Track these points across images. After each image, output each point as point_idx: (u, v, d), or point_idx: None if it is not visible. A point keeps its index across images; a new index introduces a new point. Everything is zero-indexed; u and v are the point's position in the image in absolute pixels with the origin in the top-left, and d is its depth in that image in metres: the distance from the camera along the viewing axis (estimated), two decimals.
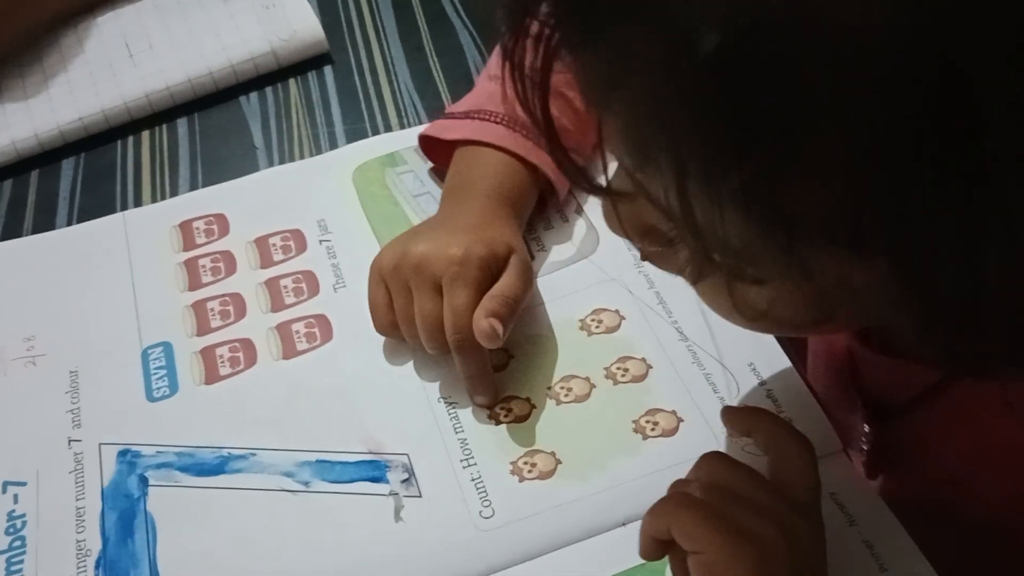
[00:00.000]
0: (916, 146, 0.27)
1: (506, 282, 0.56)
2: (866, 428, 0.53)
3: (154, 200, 0.70)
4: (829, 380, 0.55)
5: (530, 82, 0.34)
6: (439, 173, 0.67)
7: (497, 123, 0.62)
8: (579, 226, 0.65)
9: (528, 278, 0.57)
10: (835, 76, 0.27)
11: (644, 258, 0.43)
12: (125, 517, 0.52)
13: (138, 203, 0.70)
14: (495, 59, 0.67)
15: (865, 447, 0.53)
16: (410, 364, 0.58)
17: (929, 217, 0.29)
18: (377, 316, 0.58)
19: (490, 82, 0.66)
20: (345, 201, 0.68)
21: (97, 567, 0.50)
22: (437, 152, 0.66)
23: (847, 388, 0.53)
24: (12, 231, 0.70)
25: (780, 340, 0.56)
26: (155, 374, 0.59)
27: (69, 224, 0.69)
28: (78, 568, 0.51)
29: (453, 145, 0.64)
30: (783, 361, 0.55)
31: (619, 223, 0.39)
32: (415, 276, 0.55)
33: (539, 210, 0.65)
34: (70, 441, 0.56)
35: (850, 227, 0.30)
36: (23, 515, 0.53)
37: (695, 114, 0.29)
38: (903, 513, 0.49)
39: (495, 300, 0.54)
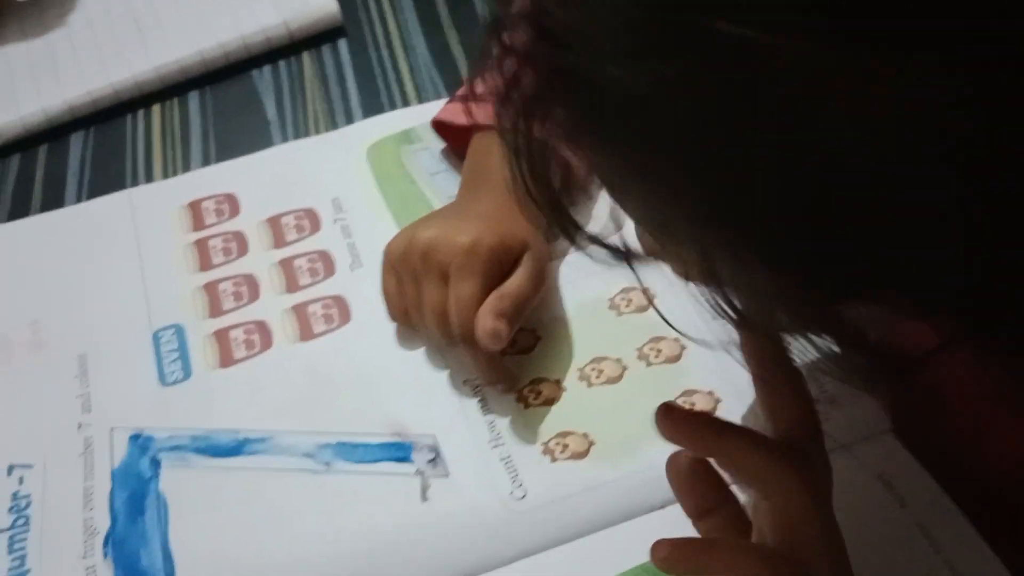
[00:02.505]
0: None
1: (515, 281, 0.55)
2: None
3: (165, 176, 0.70)
4: None
5: (529, 166, 0.33)
6: (457, 152, 0.67)
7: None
8: (603, 202, 0.64)
9: (540, 279, 0.56)
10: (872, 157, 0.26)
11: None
12: (136, 496, 0.52)
13: (149, 179, 0.70)
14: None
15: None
16: (434, 346, 0.58)
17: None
18: (389, 304, 0.58)
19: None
20: (360, 179, 0.68)
21: (105, 544, 0.50)
22: (454, 132, 0.66)
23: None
24: (20, 208, 0.69)
25: None
26: (167, 358, 0.59)
27: (79, 201, 0.69)
28: (85, 546, 0.50)
29: (470, 128, 0.63)
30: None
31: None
32: (421, 264, 0.55)
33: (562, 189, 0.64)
34: (80, 425, 0.56)
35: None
36: (28, 495, 0.53)
37: (712, 216, 0.29)
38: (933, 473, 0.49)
39: (502, 299, 0.53)
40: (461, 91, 0.67)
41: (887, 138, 0.26)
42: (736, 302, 0.33)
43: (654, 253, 0.39)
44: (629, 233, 0.38)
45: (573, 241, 0.37)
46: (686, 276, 0.39)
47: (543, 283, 0.57)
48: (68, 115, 0.74)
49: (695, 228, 0.30)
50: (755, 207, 0.28)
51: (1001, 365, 0.40)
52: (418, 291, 0.55)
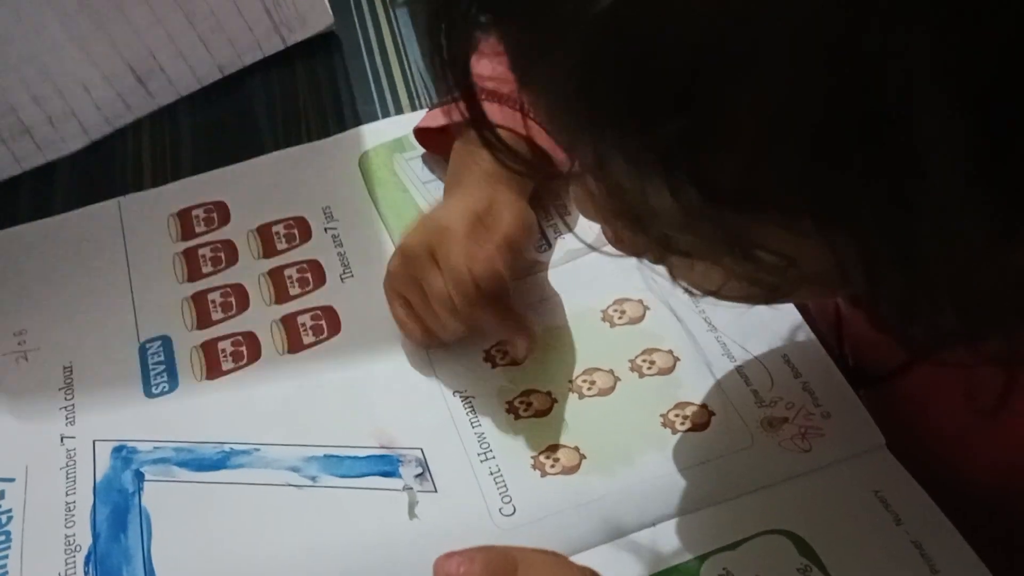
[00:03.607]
0: (827, 118, 0.27)
1: (501, 224, 0.55)
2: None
3: (155, 183, 0.70)
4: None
5: (451, 62, 0.34)
6: (442, 157, 0.66)
7: (487, 101, 0.62)
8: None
9: (525, 218, 0.57)
10: (741, 40, 0.27)
11: (614, 243, 0.42)
12: (118, 512, 0.51)
13: (139, 186, 0.70)
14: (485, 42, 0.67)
15: None
16: (423, 357, 0.57)
17: (851, 195, 0.28)
18: (409, 330, 0.57)
19: (484, 62, 0.65)
20: (351, 187, 0.67)
21: (87, 562, 0.50)
22: (434, 137, 0.66)
23: (831, 349, 0.53)
24: (7, 217, 0.69)
25: None
26: (154, 370, 0.58)
27: (67, 210, 0.68)
28: (67, 563, 0.50)
29: (449, 131, 0.63)
30: (819, 352, 0.54)
31: (586, 205, 0.39)
32: (417, 268, 0.55)
33: (553, 194, 0.64)
34: (63, 438, 0.55)
35: (772, 200, 0.30)
36: (9, 510, 0.52)
37: (601, 87, 0.29)
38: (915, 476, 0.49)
39: (487, 244, 0.54)
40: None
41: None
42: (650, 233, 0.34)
43: (571, 172, 0.38)
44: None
45: (481, 135, 0.38)
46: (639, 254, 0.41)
47: (529, 223, 0.57)
48: None
49: (585, 127, 0.31)
50: (629, 95, 0.29)
51: (976, 374, 0.40)
52: (424, 296, 0.55)
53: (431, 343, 0.57)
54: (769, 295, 0.37)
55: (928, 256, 0.29)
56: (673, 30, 0.27)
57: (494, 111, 0.59)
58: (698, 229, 0.32)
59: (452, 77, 0.34)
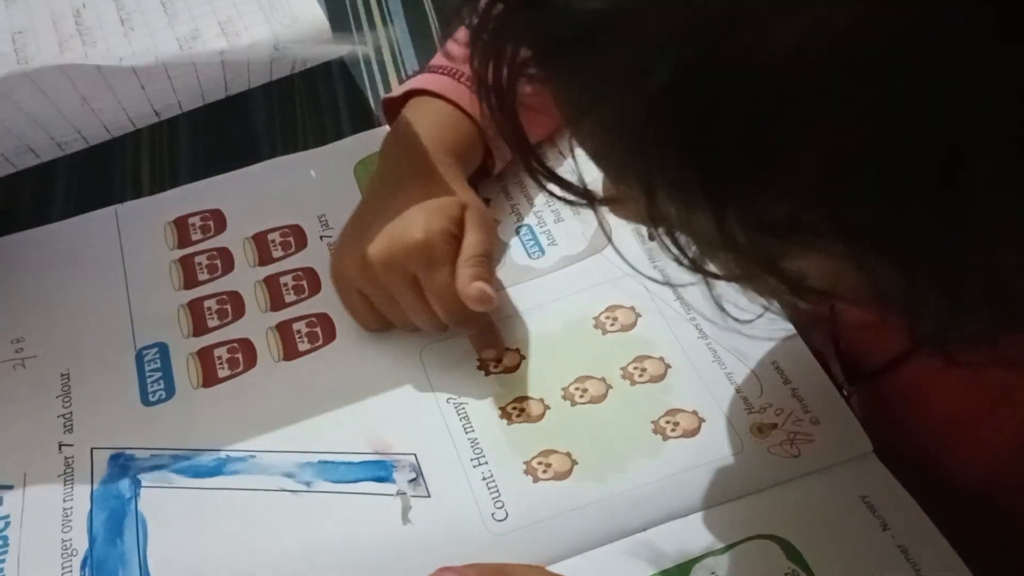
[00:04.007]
0: (886, 159, 0.28)
1: (472, 240, 0.57)
2: (843, 392, 0.54)
3: (153, 191, 0.71)
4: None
5: (497, 98, 0.35)
6: None
7: (443, 74, 0.63)
8: (590, 218, 0.64)
9: (490, 227, 0.59)
10: (786, 101, 0.28)
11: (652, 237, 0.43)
12: (114, 517, 0.52)
13: (137, 193, 0.71)
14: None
15: None
16: (417, 365, 0.58)
17: (898, 226, 0.30)
18: (364, 320, 0.59)
19: (452, 44, 0.66)
20: (347, 196, 0.68)
21: (83, 567, 0.51)
22: (394, 108, 0.66)
23: (825, 346, 0.54)
24: (5, 224, 0.69)
25: None
26: (150, 377, 0.59)
27: (65, 217, 0.69)
28: (63, 568, 0.51)
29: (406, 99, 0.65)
30: (808, 358, 0.55)
31: (628, 215, 0.41)
32: (387, 277, 0.56)
33: (547, 202, 0.65)
34: (61, 446, 0.56)
35: (821, 232, 0.31)
36: (7, 516, 0.53)
37: (658, 138, 0.30)
38: (897, 475, 0.49)
39: (472, 264, 0.55)
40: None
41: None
42: (688, 247, 0.35)
43: (612, 197, 0.40)
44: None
45: (536, 179, 0.39)
46: (643, 221, 0.41)
47: (494, 229, 0.60)
48: None
49: (639, 163, 0.32)
50: (691, 139, 0.30)
51: (968, 372, 0.41)
52: (393, 300, 0.57)
53: (386, 331, 0.59)
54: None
55: (971, 272, 0.30)
56: (747, 85, 0.28)
57: (446, 85, 0.61)
58: (741, 256, 0.33)
59: (501, 118, 0.36)
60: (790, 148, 0.29)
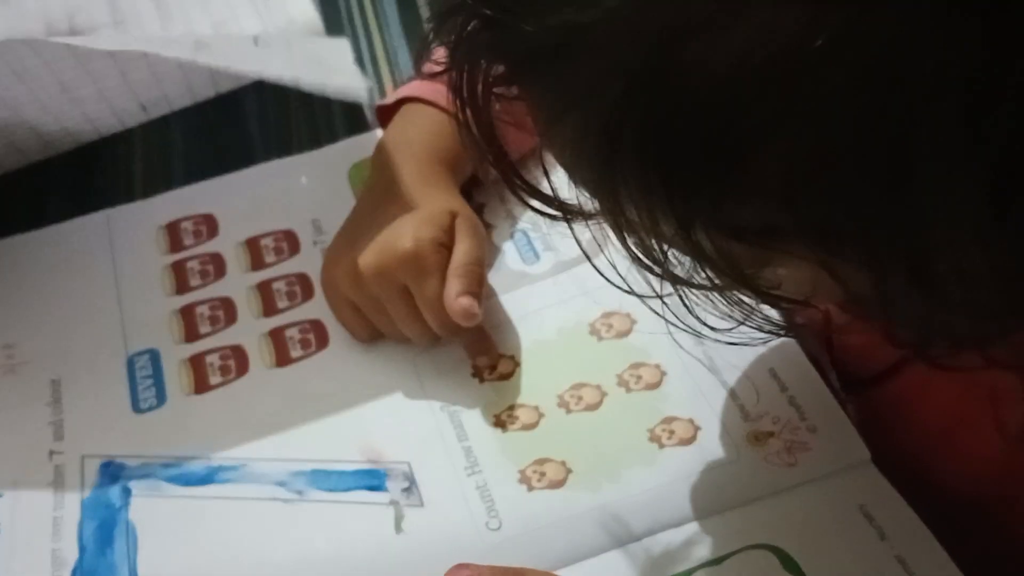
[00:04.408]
0: (850, 164, 0.29)
1: (462, 248, 0.56)
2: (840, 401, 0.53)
3: (147, 194, 0.70)
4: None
5: (474, 113, 0.36)
6: None
7: (435, 81, 0.63)
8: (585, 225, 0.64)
9: (480, 235, 0.58)
10: (770, 99, 0.29)
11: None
12: (105, 526, 0.52)
13: (129, 197, 0.70)
14: None
15: None
16: (410, 372, 0.58)
17: (866, 227, 0.30)
18: (354, 330, 0.59)
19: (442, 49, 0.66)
20: (341, 200, 0.67)
21: None
22: (388, 115, 0.66)
23: (819, 354, 0.54)
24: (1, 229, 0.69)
25: None
26: (141, 384, 0.59)
27: (56, 221, 0.69)
28: None
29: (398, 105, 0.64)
30: (805, 366, 0.55)
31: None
32: (378, 288, 0.56)
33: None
34: (51, 453, 0.56)
35: (792, 237, 0.31)
36: None
37: (619, 149, 0.31)
38: (893, 482, 0.49)
39: (459, 274, 0.55)
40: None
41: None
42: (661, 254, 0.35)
43: (590, 212, 0.40)
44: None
45: (515, 192, 0.40)
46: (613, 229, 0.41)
47: (484, 238, 0.59)
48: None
49: (605, 174, 0.32)
50: (650, 149, 0.30)
51: (962, 379, 0.41)
52: (383, 310, 0.57)
53: (376, 341, 0.59)
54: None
55: (940, 269, 0.30)
56: (699, 94, 0.29)
57: (436, 91, 0.61)
58: (709, 265, 0.34)
59: (476, 132, 0.37)
60: (747, 153, 0.30)
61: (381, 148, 0.63)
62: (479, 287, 0.56)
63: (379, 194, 0.60)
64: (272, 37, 0.73)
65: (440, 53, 0.36)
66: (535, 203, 0.40)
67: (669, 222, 0.32)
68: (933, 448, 0.49)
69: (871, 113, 0.28)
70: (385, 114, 0.66)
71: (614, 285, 0.42)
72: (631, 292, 0.41)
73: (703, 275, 0.35)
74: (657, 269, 0.35)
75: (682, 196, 0.31)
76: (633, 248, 0.35)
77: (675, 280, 0.36)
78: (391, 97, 0.65)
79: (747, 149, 0.29)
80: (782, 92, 0.28)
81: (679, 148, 0.30)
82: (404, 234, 0.56)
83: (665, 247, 0.35)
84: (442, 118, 0.62)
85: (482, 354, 0.57)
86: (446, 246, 0.56)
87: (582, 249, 0.43)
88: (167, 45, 0.70)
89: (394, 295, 0.56)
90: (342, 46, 0.74)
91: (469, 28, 0.33)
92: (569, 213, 0.39)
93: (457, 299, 0.54)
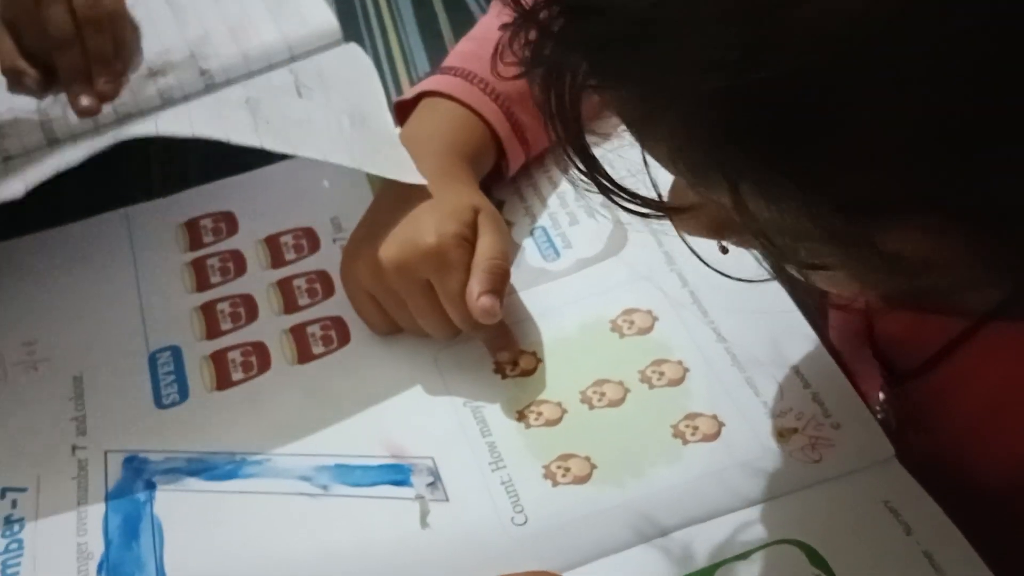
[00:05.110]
0: (968, 127, 0.28)
1: (485, 243, 0.56)
2: (881, 396, 0.53)
3: (164, 191, 0.70)
4: (844, 340, 0.56)
5: (562, 121, 0.35)
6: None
7: (455, 76, 0.63)
8: (606, 222, 0.64)
9: (503, 231, 0.58)
10: (853, 76, 0.28)
11: (725, 250, 0.43)
12: (130, 520, 0.52)
13: (148, 196, 0.70)
14: (479, 24, 0.68)
15: (880, 416, 0.53)
16: (432, 367, 0.58)
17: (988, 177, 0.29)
18: (374, 323, 0.59)
19: (463, 43, 0.67)
20: (360, 198, 0.67)
21: (99, 570, 0.50)
22: (407, 111, 0.66)
23: (861, 349, 0.54)
24: (16, 226, 0.69)
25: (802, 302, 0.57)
26: (164, 380, 0.59)
27: (76, 219, 0.69)
28: (79, 571, 0.50)
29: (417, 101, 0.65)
30: (829, 363, 0.55)
31: (694, 229, 0.41)
32: (399, 282, 0.56)
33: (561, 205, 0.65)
34: (74, 448, 0.56)
35: (910, 206, 0.31)
36: (21, 518, 0.53)
37: (733, 131, 0.30)
38: (923, 478, 0.49)
39: (482, 271, 0.55)
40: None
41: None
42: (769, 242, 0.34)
43: (684, 204, 0.39)
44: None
45: (608, 196, 0.38)
46: (710, 233, 0.41)
47: (507, 233, 0.60)
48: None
49: (717, 160, 0.31)
50: (764, 127, 0.29)
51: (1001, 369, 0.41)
52: (403, 305, 0.57)
53: (394, 334, 0.59)
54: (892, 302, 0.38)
55: None
56: (804, 64, 0.28)
57: (458, 86, 0.61)
58: (833, 241, 0.33)
59: (563, 132, 0.36)
60: (860, 122, 0.29)
61: (401, 142, 0.63)
62: (503, 283, 0.56)
63: (400, 188, 0.60)
64: (311, 80, 0.71)
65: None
66: (625, 203, 0.39)
67: (790, 202, 0.31)
68: (968, 439, 0.49)
69: (990, 63, 0.27)
70: (403, 110, 0.66)
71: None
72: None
73: (819, 255, 0.34)
74: (765, 262, 0.35)
75: (801, 171, 0.30)
76: (737, 245, 0.34)
77: (781, 270, 0.35)
78: (410, 92, 0.65)
79: (860, 118, 0.29)
80: (888, 59, 0.27)
81: (792, 123, 0.29)
82: (427, 229, 0.55)
83: (777, 235, 0.34)
84: (462, 112, 0.62)
85: (503, 349, 0.57)
86: (469, 241, 0.56)
87: (692, 250, 0.42)
88: (221, 106, 0.68)
89: (415, 290, 0.56)
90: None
91: (554, 24, 0.32)
92: (664, 211, 0.38)
93: (479, 298, 0.54)
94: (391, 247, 0.56)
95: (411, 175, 0.59)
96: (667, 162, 0.35)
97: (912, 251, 0.33)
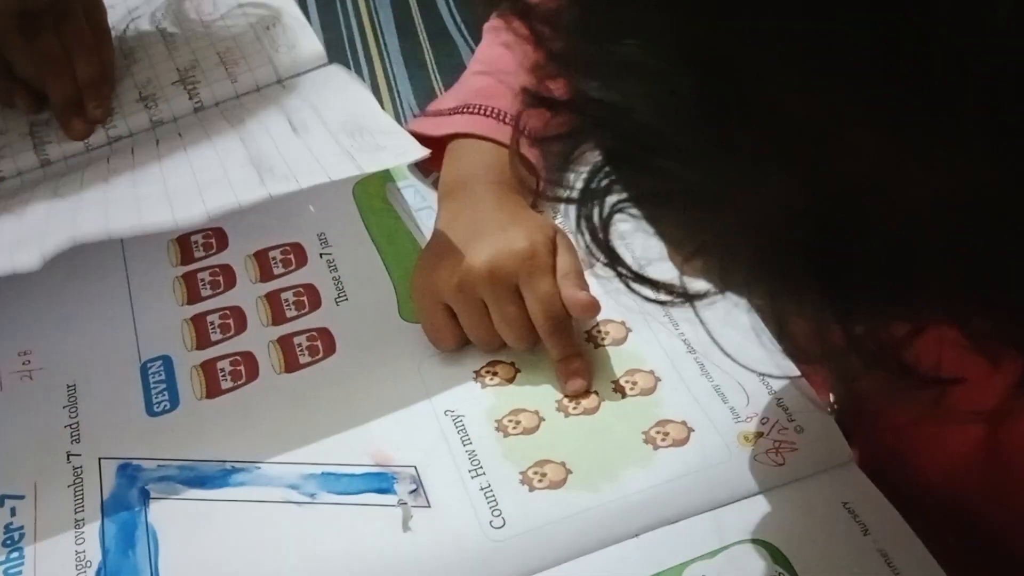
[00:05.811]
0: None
1: (566, 259, 0.59)
2: (831, 397, 0.56)
3: None
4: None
5: (594, 235, 0.35)
6: (423, 170, 0.70)
7: (487, 116, 0.65)
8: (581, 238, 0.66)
9: (576, 250, 0.60)
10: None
11: None
12: (126, 529, 0.53)
13: None
14: (482, 54, 0.70)
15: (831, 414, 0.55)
16: (415, 377, 0.60)
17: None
18: (443, 337, 0.60)
19: (477, 77, 0.69)
20: (346, 215, 0.70)
21: None
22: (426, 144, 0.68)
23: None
24: None
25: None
26: (155, 388, 0.61)
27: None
28: None
29: (441, 143, 0.66)
30: (793, 371, 0.57)
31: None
32: (488, 287, 0.57)
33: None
34: (69, 455, 0.57)
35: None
36: (21, 527, 0.54)
37: (787, 271, 0.31)
38: (872, 477, 0.51)
39: (573, 277, 0.58)
40: (431, 106, 0.69)
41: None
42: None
43: (705, 292, 0.38)
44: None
45: (637, 292, 0.38)
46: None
47: (577, 254, 0.60)
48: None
49: (762, 287, 0.32)
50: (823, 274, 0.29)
51: None
52: (485, 315, 0.58)
53: (457, 350, 0.60)
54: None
55: None
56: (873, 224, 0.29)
57: (494, 128, 0.62)
58: (865, 355, 0.33)
59: (598, 249, 0.36)
60: (918, 278, 0.29)
61: (451, 179, 0.65)
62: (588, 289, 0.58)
63: (472, 210, 0.61)
64: (305, 115, 0.71)
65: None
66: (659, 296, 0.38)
67: (827, 324, 0.31)
68: (910, 442, 0.51)
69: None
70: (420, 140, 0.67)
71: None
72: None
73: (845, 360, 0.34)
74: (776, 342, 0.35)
75: (849, 309, 0.30)
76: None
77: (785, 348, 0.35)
78: (438, 131, 0.67)
79: (919, 276, 0.29)
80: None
81: (853, 274, 0.29)
82: (517, 236, 0.58)
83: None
84: (501, 152, 0.64)
85: (577, 376, 0.57)
86: (554, 253, 0.59)
87: (714, 340, 0.41)
88: (227, 170, 0.66)
89: (504, 296, 0.57)
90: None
91: (600, 165, 0.32)
92: (697, 299, 0.37)
93: (579, 292, 0.57)
94: (482, 253, 0.58)
95: (417, 152, 0.61)
96: (703, 276, 0.35)
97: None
